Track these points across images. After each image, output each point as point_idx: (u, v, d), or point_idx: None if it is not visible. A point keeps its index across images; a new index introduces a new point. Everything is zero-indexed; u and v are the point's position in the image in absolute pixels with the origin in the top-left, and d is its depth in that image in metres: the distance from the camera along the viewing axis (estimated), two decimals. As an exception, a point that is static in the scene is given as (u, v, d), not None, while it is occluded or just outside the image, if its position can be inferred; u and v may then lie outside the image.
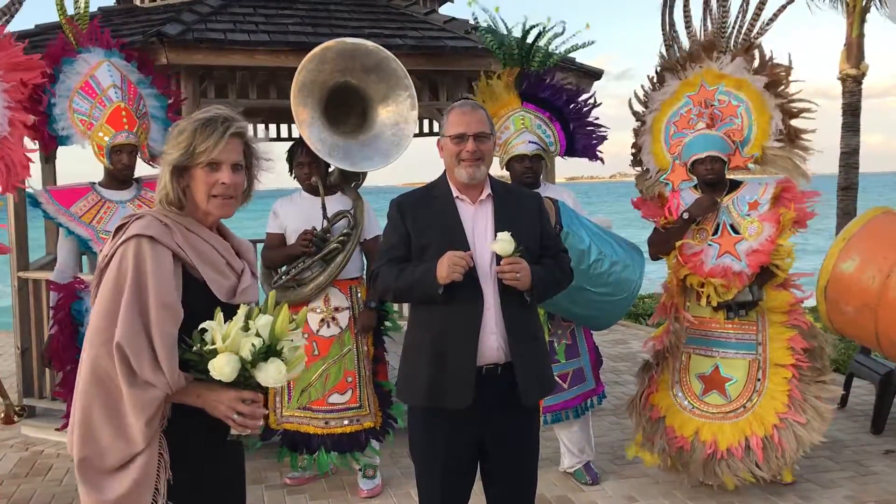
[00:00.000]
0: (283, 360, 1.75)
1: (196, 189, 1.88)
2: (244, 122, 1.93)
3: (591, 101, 4.25)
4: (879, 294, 3.88)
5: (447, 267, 2.36)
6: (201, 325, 1.74)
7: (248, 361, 1.70)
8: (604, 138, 4.25)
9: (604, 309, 3.77)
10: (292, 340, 1.79)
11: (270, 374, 1.72)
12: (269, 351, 1.74)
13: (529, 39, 4.23)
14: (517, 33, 4.28)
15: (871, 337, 4.09)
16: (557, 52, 4.30)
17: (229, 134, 1.86)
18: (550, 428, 3.99)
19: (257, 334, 1.72)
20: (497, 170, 3.70)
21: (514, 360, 2.47)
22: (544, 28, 4.26)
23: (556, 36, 4.27)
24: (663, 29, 4.07)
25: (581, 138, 4.18)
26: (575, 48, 4.40)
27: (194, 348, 1.73)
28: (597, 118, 4.25)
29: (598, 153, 4.28)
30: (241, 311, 1.76)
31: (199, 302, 1.81)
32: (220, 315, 1.74)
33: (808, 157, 3.81)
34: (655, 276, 4.28)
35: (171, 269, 1.79)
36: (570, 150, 4.22)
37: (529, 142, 3.88)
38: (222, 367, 1.69)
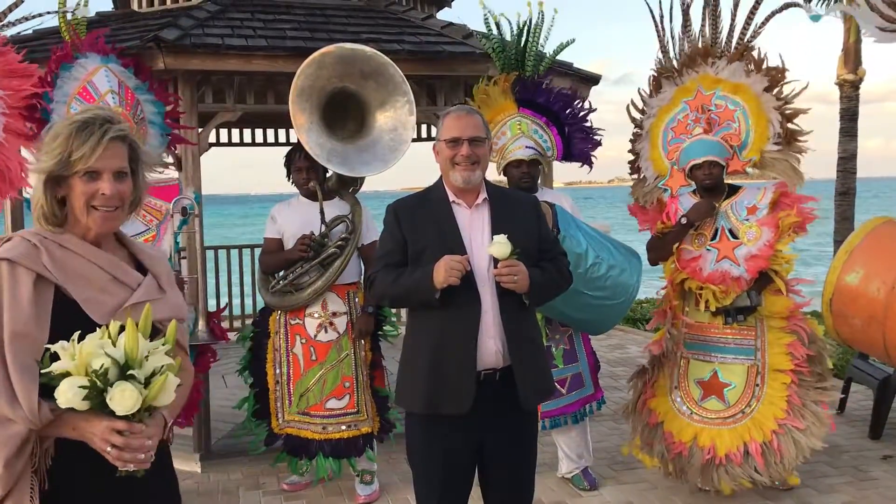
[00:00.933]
0: (138, 383, 1.52)
1: (74, 201, 1.68)
2: (126, 125, 1.73)
3: (587, 106, 4.25)
4: (886, 306, 3.84)
5: (444, 271, 2.35)
6: (52, 347, 1.54)
7: (95, 385, 1.50)
8: (599, 143, 4.26)
9: (601, 313, 3.76)
10: (148, 359, 1.55)
11: (116, 399, 1.50)
12: (124, 372, 1.53)
13: (523, 40, 4.23)
14: (511, 33, 4.28)
15: (880, 349, 4.05)
16: (548, 54, 4.30)
17: (108, 138, 1.67)
18: (548, 433, 3.98)
19: (106, 353, 1.51)
20: (494, 175, 3.70)
21: (513, 364, 2.46)
22: (532, 24, 4.25)
23: (540, 30, 4.26)
24: (659, 37, 4.07)
25: (577, 143, 4.18)
26: (562, 47, 4.40)
27: (49, 371, 1.54)
28: (592, 124, 4.26)
29: (592, 157, 4.29)
30: (110, 329, 1.56)
31: (79, 325, 1.59)
32: (75, 335, 1.54)
33: (803, 159, 3.81)
34: (653, 280, 4.27)
35: (31, 294, 1.60)
36: (567, 155, 4.22)
37: (526, 147, 3.88)
38: (65, 392, 1.50)
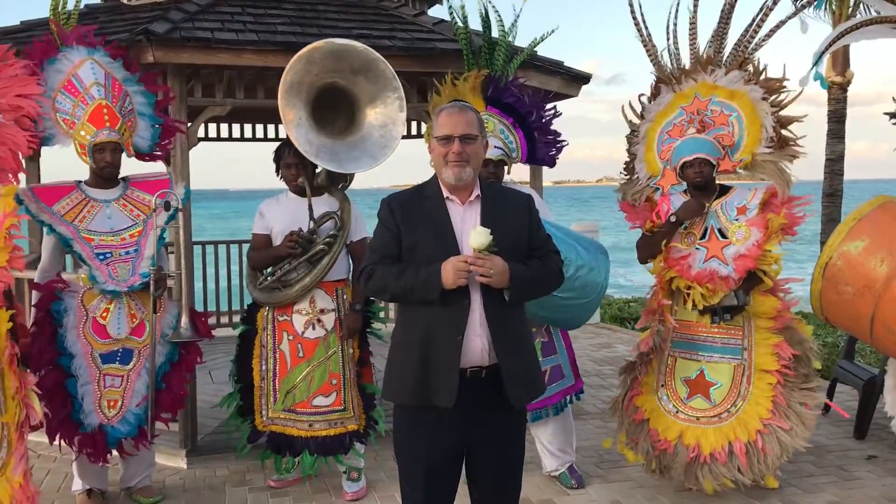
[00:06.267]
0: None
1: None
2: None
3: (553, 111, 4.28)
4: (888, 279, 3.81)
5: (453, 273, 2.36)
6: None
7: None
8: (562, 148, 4.28)
9: (571, 312, 3.74)
10: None
11: None
12: None
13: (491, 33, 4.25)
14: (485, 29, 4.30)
15: (863, 322, 3.95)
16: (521, 50, 4.31)
17: None
18: (530, 428, 3.98)
19: None
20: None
21: (500, 362, 2.46)
22: (503, 27, 4.27)
23: (512, 28, 4.26)
24: (647, 51, 4.08)
25: (542, 147, 4.19)
26: (536, 42, 4.41)
27: None
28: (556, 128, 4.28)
29: (555, 160, 4.30)
30: None
31: None
32: None
33: (793, 163, 3.82)
34: (641, 280, 4.28)
35: None
36: (531, 157, 4.23)
37: (494, 146, 3.85)
38: None
